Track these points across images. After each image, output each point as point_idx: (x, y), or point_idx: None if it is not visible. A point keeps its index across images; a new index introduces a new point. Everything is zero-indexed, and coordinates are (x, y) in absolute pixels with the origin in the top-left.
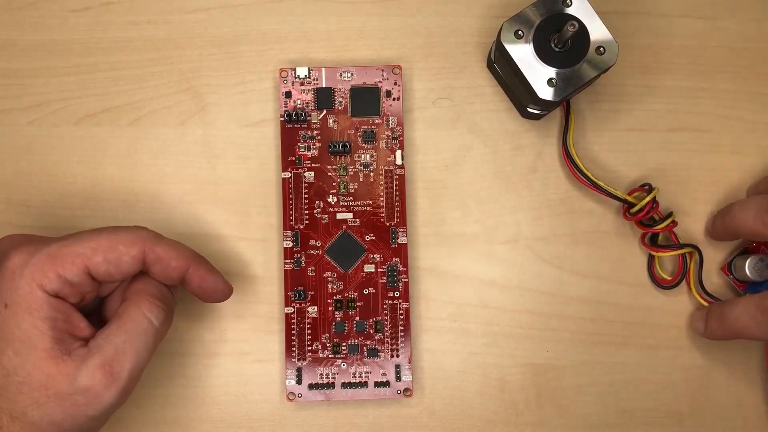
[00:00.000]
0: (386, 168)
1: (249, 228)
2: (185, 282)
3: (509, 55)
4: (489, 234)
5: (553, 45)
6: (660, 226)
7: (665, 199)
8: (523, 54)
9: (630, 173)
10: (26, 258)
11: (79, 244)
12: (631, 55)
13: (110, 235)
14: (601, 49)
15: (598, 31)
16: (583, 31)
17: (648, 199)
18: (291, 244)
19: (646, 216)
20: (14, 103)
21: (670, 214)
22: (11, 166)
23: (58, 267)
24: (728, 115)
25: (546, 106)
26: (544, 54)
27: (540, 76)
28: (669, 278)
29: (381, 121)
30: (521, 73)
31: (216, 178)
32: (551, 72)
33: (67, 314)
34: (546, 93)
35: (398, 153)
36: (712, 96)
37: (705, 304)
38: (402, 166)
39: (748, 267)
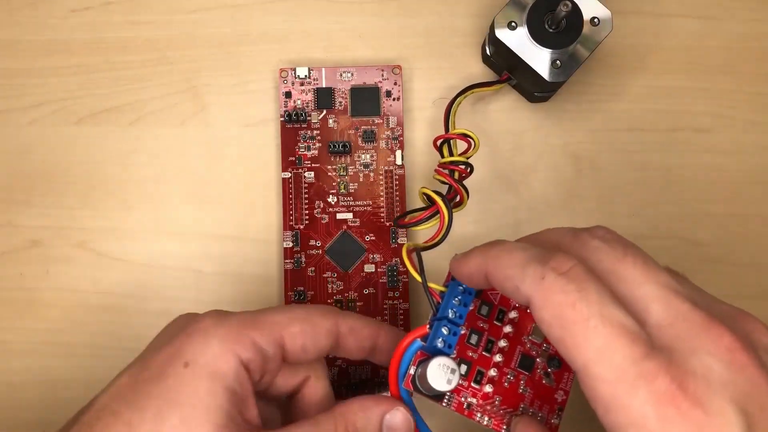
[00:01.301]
0: (386, 168)
1: (249, 228)
2: (377, 351)
3: (507, 47)
4: (489, 234)
5: (546, 26)
6: (451, 159)
7: (664, 198)
8: (520, 41)
9: (630, 173)
10: (219, 320)
11: (274, 313)
12: (631, 55)
13: (303, 307)
14: (596, 20)
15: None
16: (575, 9)
17: (457, 158)
18: (291, 244)
19: (449, 166)
20: (14, 103)
21: (467, 192)
22: (11, 166)
23: (254, 332)
24: (728, 115)
25: (554, 87)
26: (540, 38)
27: (542, 59)
28: (408, 220)
29: (381, 121)
30: (525, 63)
31: (216, 178)
32: (554, 54)
33: (247, 393)
34: (553, 75)
35: (398, 153)
36: (712, 96)
37: (408, 264)
38: (402, 166)
39: (431, 373)
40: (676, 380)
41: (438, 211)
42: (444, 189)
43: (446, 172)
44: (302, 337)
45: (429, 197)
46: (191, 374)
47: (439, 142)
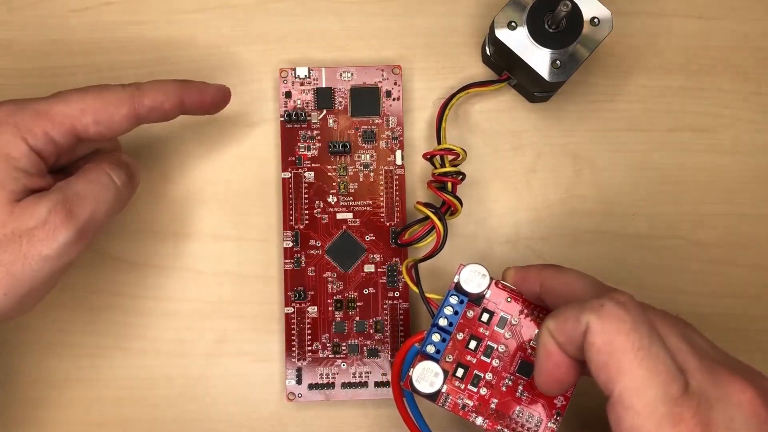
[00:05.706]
0: (386, 168)
1: (249, 228)
2: (186, 112)
3: (507, 47)
4: (489, 234)
5: (547, 26)
6: (442, 170)
7: (664, 198)
8: (520, 41)
9: (630, 173)
10: (13, 110)
11: (66, 104)
12: (631, 55)
13: (97, 95)
14: (596, 20)
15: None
16: (575, 9)
17: (449, 169)
18: (291, 244)
19: (441, 177)
20: None
21: (459, 201)
22: None
23: (47, 124)
24: (728, 115)
25: (554, 87)
26: (540, 38)
27: (542, 59)
28: (408, 238)
29: (381, 121)
30: (525, 63)
31: (216, 178)
32: (554, 54)
33: (41, 170)
34: (553, 75)
35: (398, 153)
36: (712, 96)
37: (407, 279)
38: (402, 166)
39: (415, 376)
40: (699, 427)
41: (434, 226)
42: (439, 199)
43: (438, 185)
44: (95, 126)
45: (425, 211)
46: None
47: (428, 156)
